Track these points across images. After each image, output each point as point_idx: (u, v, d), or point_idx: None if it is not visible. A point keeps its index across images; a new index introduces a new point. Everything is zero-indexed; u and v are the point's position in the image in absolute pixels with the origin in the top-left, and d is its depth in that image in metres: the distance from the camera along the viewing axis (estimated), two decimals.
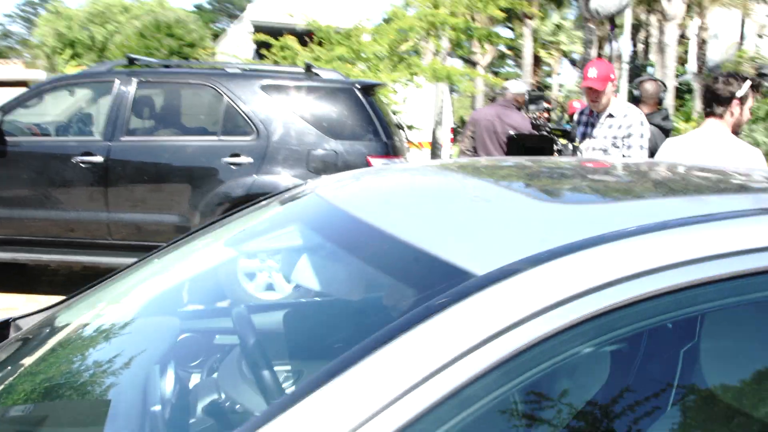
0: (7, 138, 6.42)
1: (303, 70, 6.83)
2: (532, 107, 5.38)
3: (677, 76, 28.67)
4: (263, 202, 2.27)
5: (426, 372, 0.91)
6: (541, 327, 0.95)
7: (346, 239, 1.42)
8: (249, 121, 6.43)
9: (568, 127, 4.96)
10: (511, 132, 4.96)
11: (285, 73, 7.01)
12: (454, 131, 16.64)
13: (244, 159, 6.36)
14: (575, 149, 4.92)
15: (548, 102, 6.39)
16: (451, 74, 9.19)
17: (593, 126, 4.94)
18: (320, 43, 9.98)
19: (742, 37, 36.78)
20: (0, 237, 6.50)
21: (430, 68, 9.20)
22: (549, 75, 52.98)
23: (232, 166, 6.35)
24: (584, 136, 5.00)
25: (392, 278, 1.30)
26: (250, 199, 6.31)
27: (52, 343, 1.85)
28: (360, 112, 6.60)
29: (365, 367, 0.94)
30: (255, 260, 2.48)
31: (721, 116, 3.97)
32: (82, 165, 6.37)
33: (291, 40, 9.77)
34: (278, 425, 0.94)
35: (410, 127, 7.55)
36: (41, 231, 6.49)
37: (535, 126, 4.86)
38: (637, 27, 34.51)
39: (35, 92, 6.68)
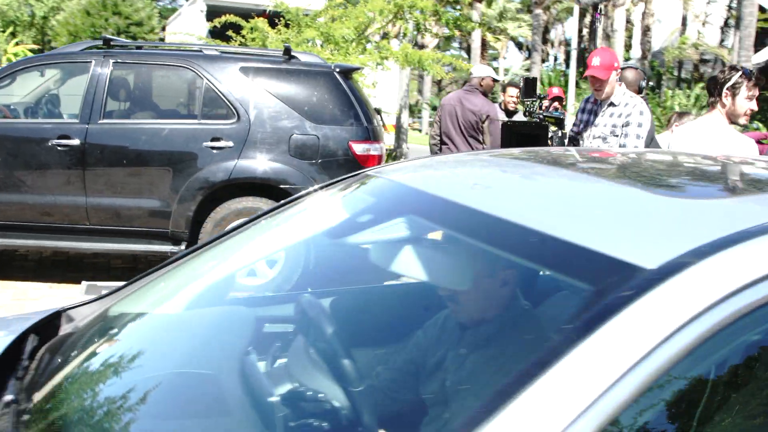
0: None
1: (281, 53, 6.79)
2: (527, 101, 5.46)
3: (626, 61, 29.19)
4: (310, 193, 2.26)
5: (624, 366, 0.97)
6: (718, 316, 1.01)
7: (479, 233, 1.46)
8: (229, 105, 6.38)
9: (557, 114, 5.07)
10: (502, 119, 5.04)
11: (263, 56, 6.96)
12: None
13: (224, 143, 6.32)
14: (563, 136, 5.03)
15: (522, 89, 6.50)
16: (422, 59, 9.23)
17: (596, 114, 5.05)
18: (287, 25, 9.92)
19: (684, 24, 37.60)
20: None
21: (402, 52, 9.23)
22: (495, 59, 53.44)
23: (213, 150, 6.31)
24: (588, 123, 5.11)
25: (552, 274, 1.35)
26: (232, 184, 6.30)
27: (132, 333, 1.86)
28: (341, 96, 6.60)
29: (571, 362, 0.99)
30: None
31: (713, 106, 4.15)
32: (59, 148, 6.25)
33: (261, 22, 9.70)
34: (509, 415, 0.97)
35: (379, 111, 7.57)
36: (16, 216, 6.36)
37: (529, 113, 4.95)
38: (583, 12, 34.98)
39: (7, 73, 6.51)
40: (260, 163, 6.36)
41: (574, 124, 5.17)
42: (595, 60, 4.96)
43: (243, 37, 10.05)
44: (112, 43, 6.65)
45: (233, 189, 6.37)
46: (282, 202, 2.32)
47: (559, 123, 4.96)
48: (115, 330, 1.95)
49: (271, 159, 6.37)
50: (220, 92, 6.37)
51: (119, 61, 6.43)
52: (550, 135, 4.97)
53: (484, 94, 7.39)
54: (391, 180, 1.85)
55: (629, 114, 4.86)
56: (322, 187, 2.27)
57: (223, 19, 9.61)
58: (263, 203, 6.34)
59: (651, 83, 33.01)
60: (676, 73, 34.44)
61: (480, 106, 7.19)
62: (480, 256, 1.63)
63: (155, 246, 6.42)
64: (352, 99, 6.65)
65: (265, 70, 6.55)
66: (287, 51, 6.75)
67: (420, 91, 43.39)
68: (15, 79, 6.56)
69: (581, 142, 4.98)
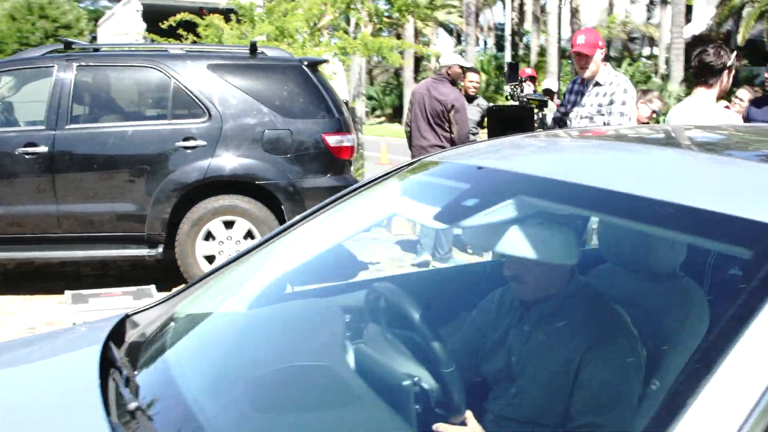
0: None
1: (247, 49, 6.73)
2: (510, 85, 5.53)
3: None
4: (377, 182, 2.26)
5: None
6: None
7: (615, 211, 1.49)
8: (199, 103, 6.30)
9: (539, 97, 5.16)
10: (482, 106, 5.11)
11: (230, 52, 6.89)
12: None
13: (197, 142, 6.24)
14: (544, 117, 5.12)
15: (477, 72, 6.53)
16: (382, 46, 9.24)
17: (583, 95, 5.15)
18: (239, 21, 9.82)
19: (611, 4, 38.42)
20: None
21: (361, 42, 9.22)
22: (427, 45, 53.73)
23: (186, 150, 6.23)
24: (575, 104, 5.21)
25: (706, 244, 1.39)
26: (207, 183, 6.22)
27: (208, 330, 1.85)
28: (311, 89, 6.58)
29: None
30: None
31: (712, 86, 4.30)
32: (26, 156, 6.09)
33: (217, 19, 9.57)
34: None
35: (346, 103, 7.60)
36: None
37: (512, 97, 5.03)
38: None
39: None
40: (234, 161, 6.31)
41: (562, 104, 5.27)
42: (580, 38, 5.07)
43: (197, 35, 9.91)
44: (73, 45, 6.50)
45: (208, 188, 6.31)
46: (337, 195, 2.31)
47: (542, 105, 5.06)
48: (200, 329, 1.93)
49: (245, 156, 6.33)
50: (190, 91, 6.29)
51: (83, 64, 6.28)
52: (539, 117, 5.06)
53: (453, 82, 7.39)
54: (480, 165, 1.89)
55: (614, 92, 4.98)
56: (375, 180, 2.27)
57: (179, 17, 9.45)
58: (240, 200, 6.30)
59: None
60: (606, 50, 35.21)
61: (446, 95, 7.22)
62: (631, 233, 1.68)
63: (131, 250, 6.32)
64: (322, 91, 6.64)
65: (233, 67, 6.49)
66: (253, 47, 6.70)
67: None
68: None
69: (568, 122, 5.08)
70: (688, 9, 31.04)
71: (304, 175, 6.42)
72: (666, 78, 24.45)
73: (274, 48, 7.19)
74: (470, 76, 8.09)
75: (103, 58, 6.51)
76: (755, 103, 6.02)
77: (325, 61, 7.10)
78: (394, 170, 2.23)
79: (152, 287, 5.62)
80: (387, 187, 2.22)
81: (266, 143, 6.36)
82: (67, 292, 5.39)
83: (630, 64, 29.59)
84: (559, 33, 26.30)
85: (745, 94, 6.99)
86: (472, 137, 7.71)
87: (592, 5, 38.72)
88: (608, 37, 36.30)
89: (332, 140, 6.49)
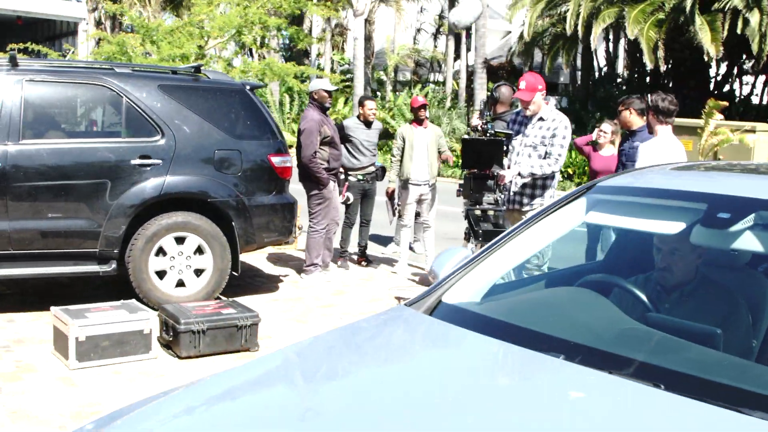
0: None
1: (191, 71, 6.98)
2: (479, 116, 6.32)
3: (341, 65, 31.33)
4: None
5: None
6: None
7: None
8: (152, 122, 6.46)
9: (507, 131, 5.94)
10: (465, 136, 5.81)
11: (176, 73, 7.07)
12: None
13: (153, 160, 6.40)
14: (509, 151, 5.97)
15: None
16: (287, 72, 9.58)
17: (526, 125, 6.04)
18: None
19: (396, 31, 40.59)
20: None
21: (266, 66, 9.51)
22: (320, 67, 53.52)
23: (142, 168, 6.36)
24: (518, 133, 6.09)
25: None
26: (163, 199, 6.41)
27: None
28: (255, 112, 6.97)
29: None
30: None
31: (668, 123, 5.47)
32: None
33: (129, 38, 9.41)
34: None
35: None
36: None
37: (483, 130, 5.77)
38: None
39: None
40: (189, 179, 6.54)
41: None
42: (522, 84, 5.96)
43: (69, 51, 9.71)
44: (16, 60, 6.38)
45: (162, 205, 6.47)
46: (535, 214, 2.98)
47: (508, 138, 5.87)
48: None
49: (198, 174, 6.58)
50: (142, 110, 6.43)
51: (32, 79, 6.22)
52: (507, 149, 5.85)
53: (320, 105, 7.94)
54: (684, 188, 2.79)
55: (556, 128, 5.94)
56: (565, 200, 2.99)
57: (93, 34, 9.21)
58: (192, 217, 6.53)
59: (372, 86, 35.59)
60: (394, 76, 37.25)
61: (303, 119, 7.87)
62: None
63: (83, 267, 6.33)
64: (264, 114, 7.05)
65: (182, 88, 6.71)
66: (197, 69, 6.96)
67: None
68: None
69: (511, 148, 5.98)
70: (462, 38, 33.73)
71: (252, 193, 6.78)
72: (455, 102, 26.63)
73: (215, 71, 7.45)
74: (368, 104, 8.70)
75: (53, 74, 6.43)
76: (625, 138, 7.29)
77: (264, 85, 7.46)
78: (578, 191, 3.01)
79: (133, 300, 5.77)
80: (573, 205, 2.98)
81: (217, 162, 6.65)
82: (54, 308, 5.41)
83: (421, 89, 31.69)
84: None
85: (608, 127, 8.29)
86: (362, 160, 8.39)
87: (381, 32, 40.60)
88: (398, 63, 38.41)
89: (277, 161, 6.92)
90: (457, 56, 35.09)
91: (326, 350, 2.49)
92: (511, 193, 6.13)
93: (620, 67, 28.14)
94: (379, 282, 8.13)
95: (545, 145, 5.93)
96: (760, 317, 2.46)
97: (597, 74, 27.84)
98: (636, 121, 6.80)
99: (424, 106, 8.51)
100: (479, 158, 5.56)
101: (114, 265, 6.37)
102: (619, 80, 28.16)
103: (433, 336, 2.55)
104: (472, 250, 5.89)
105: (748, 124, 16.20)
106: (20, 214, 6.06)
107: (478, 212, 5.73)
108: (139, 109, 6.43)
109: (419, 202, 8.48)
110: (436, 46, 40.68)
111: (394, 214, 8.96)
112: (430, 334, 2.56)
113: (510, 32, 37.99)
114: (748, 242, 2.61)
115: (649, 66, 21.18)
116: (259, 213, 6.83)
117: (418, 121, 8.52)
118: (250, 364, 2.60)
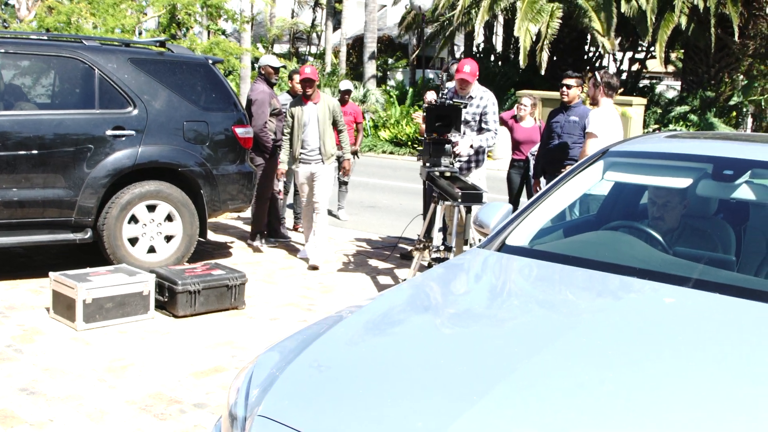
0: None
1: (156, 45, 7.17)
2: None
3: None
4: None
5: None
6: None
7: None
8: (124, 94, 6.65)
9: (462, 100, 6.53)
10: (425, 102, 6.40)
11: (143, 47, 7.21)
12: None
13: (126, 131, 6.60)
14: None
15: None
16: (232, 51, 9.69)
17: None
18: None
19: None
20: None
21: (213, 44, 9.60)
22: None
23: (116, 139, 6.55)
24: None
25: None
26: (137, 169, 6.63)
27: None
28: (218, 85, 7.26)
29: None
30: None
31: (611, 96, 6.26)
32: None
33: (80, 8, 9.22)
34: None
35: None
36: None
37: (443, 99, 6.35)
38: None
39: None
40: (161, 149, 6.78)
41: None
42: (466, 67, 6.62)
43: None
44: None
45: (135, 174, 6.69)
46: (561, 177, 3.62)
47: (465, 106, 6.49)
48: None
49: (169, 144, 6.83)
50: (115, 82, 6.60)
51: (5, 51, 6.27)
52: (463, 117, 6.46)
53: (267, 79, 8.37)
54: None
55: (486, 105, 6.74)
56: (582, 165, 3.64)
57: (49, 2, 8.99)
58: (164, 186, 6.78)
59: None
60: (271, 49, 37.24)
61: (252, 91, 8.29)
62: None
63: (59, 235, 6.48)
64: (227, 88, 7.36)
65: (151, 61, 6.91)
66: (162, 44, 7.17)
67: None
68: None
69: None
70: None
71: (218, 162, 7.10)
72: (334, 73, 27.06)
73: (177, 46, 7.63)
74: (296, 77, 8.90)
75: (25, 46, 6.49)
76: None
77: (222, 60, 7.71)
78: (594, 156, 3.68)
79: (124, 265, 6.03)
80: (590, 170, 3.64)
81: (186, 133, 6.92)
82: (53, 273, 5.60)
83: (299, 62, 31.96)
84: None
85: (527, 101, 9.08)
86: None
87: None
88: (277, 35, 38.38)
89: (240, 131, 7.26)
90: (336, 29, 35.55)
91: (449, 280, 3.08)
92: (463, 161, 6.83)
93: (499, 43, 29.35)
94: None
95: (476, 121, 6.69)
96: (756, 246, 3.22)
97: (476, 49, 28.94)
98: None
99: (309, 81, 7.53)
100: (441, 123, 6.17)
101: (90, 233, 6.55)
102: (496, 56, 29.37)
103: (519, 265, 3.16)
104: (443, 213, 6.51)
105: (624, 98, 17.58)
106: None
107: (437, 173, 6.25)
108: (111, 82, 6.60)
109: (311, 181, 7.69)
110: (314, 19, 40.84)
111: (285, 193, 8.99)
112: (514, 265, 3.17)
113: (385, 6, 38.64)
114: (744, 193, 3.34)
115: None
116: (225, 181, 7.15)
117: (306, 96, 7.57)
118: (390, 293, 3.02)
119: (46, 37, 7.42)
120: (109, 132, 6.53)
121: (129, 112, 6.66)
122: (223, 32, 32.52)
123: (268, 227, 8.61)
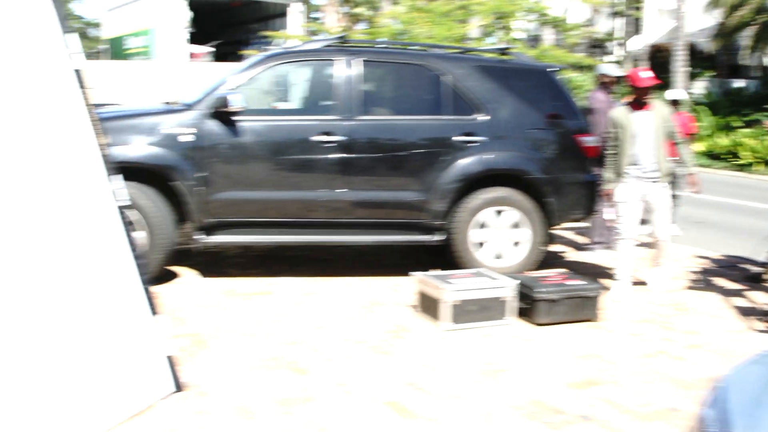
0: (239, 117, 6.31)
1: (498, 51, 7.23)
2: None
3: None
4: None
5: None
6: None
7: None
8: (472, 101, 6.74)
9: None
10: None
11: (486, 55, 7.35)
12: None
13: (477, 137, 6.68)
14: None
15: None
16: (561, 60, 9.71)
17: None
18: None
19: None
20: (237, 220, 6.41)
21: (541, 53, 9.64)
22: None
23: (466, 144, 6.65)
24: None
25: None
26: (485, 175, 6.61)
27: None
28: (559, 93, 7.12)
29: None
30: None
31: None
32: (322, 145, 6.41)
33: (418, 18, 9.84)
34: None
35: None
36: (277, 213, 6.47)
37: None
38: None
39: (256, 69, 6.55)
40: (508, 156, 6.79)
41: None
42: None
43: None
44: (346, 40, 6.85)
45: (480, 180, 6.73)
46: None
47: None
48: None
49: (516, 151, 6.82)
50: (464, 90, 6.72)
51: (369, 59, 6.64)
52: None
53: (606, 88, 8.09)
54: None
55: None
56: None
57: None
58: (513, 193, 6.74)
59: None
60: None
61: (591, 99, 8.02)
62: None
63: (410, 236, 6.71)
64: (567, 96, 7.20)
65: (496, 69, 6.97)
66: (503, 51, 7.20)
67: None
68: (263, 75, 6.61)
69: None
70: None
71: (563, 171, 6.94)
72: None
73: (518, 53, 7.67)
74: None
75: (381, 54, 6.87)
76: None
77: (559, 68, 7.60)
78: None
79: (484, 269, 6.10)
80: None
81: (531, 141, 6.86)
82: (416, 273, 5.80)
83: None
84: None
85: None
86: None
87: None
88: (572, 44, 37.68)
89: (584, 140, 7.04)
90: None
91: None
92: None
93: None
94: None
95: None
96: None
97: None
98: None
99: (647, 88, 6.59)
100: None
101: (441, 236, 6.69)
102: None
103: None
104: None
105: None
106: (358, 185, 6.50)
107: None
108: (460, 89, 6.73)
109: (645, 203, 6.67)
110: (612, 27, 39.68)
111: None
112: None
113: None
114: None
115: None
116: (570, 190, 6.98)
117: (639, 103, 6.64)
118: None
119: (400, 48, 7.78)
120: (458, 138, 6.65)
121: (477, 118, 6.74)
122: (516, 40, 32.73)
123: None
